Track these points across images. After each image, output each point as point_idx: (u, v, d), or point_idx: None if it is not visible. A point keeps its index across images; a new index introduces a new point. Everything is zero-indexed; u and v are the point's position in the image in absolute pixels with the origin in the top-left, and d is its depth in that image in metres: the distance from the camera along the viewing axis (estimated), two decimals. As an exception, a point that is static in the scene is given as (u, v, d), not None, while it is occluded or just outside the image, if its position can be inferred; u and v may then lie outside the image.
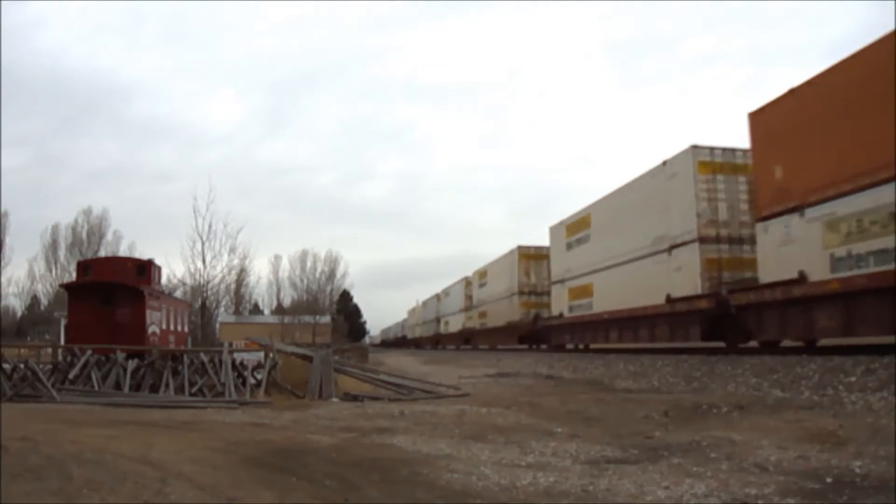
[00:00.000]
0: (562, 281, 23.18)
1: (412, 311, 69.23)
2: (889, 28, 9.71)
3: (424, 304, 59.64)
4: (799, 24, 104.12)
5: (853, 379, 8.73)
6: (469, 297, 39.85)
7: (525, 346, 28.80)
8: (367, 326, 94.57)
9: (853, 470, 4.86)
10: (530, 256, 29.63)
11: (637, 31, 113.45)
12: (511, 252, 30.86)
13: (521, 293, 29.41)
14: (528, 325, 28.03)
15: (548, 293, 26.74)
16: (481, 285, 36.89)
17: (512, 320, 29.78)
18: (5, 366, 11.96)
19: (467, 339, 39.85)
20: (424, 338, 57.74)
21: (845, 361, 9.60)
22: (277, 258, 78.35)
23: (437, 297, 52.24)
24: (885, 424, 6.41)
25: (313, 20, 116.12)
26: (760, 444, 5.98)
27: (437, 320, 51.27)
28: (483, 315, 35.87)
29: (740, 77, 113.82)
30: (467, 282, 40.94)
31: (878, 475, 4.68)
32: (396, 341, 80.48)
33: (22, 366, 12.14)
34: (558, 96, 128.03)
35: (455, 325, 43.69)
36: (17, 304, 63.30)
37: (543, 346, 26.64)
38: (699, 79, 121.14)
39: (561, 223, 23.73)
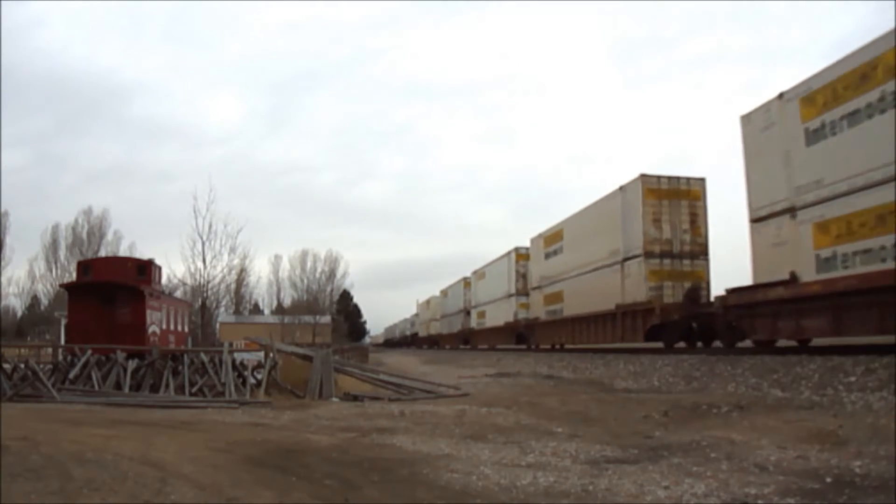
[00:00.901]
0: (806, 209, 11.64)
1: (425, 304, 59.57)
2: (889, 27, 9.50)
3: (445, 292, 48.14)
4: (800, 24, 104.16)
5: (853, 379, 8.74)
6: (522, 276, 29.55)
7: (659, 345, 17.39)
8: (367, 326, 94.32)
9: (853, 470, 4.86)
10: (662, 193, 18.08)
11: (639, 31, 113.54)
12: (625, 189, 18.87)
13: (648, 255, 17.73)
14: (672, 309, 17.01)
15: (693, 255, 17.76)
16: (551, 254, 25.05)
17: (631, 301, 18.25)
18: (6, 365, 11.98)
19: (521, 336, 28.62)
20: (446, 335, 46.88)
21: (845, 361, 9.60)
22: (277, 258, 78.44)
23: (466, 281, 40.91)
24: (885, 424, 6.41)
25: (314, 20, 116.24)
26: (760, 444, 5.98)
27: (467, 312, 40.11)
28: (555, 299, 24.22)
29: (741, 77, 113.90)
30: (518, 255, 29.91)
31: (878, 475, 4.68)
32: (404, 340, 76.39)
33: (22, 365, 12.15)
34: (559, 96, 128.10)
35: (499, 316, 32.76)
36: (17, 304, 63.46)
37: (716, 344, 15.96)
38: (701, 78, 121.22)
39: (807, 86, 11.68)
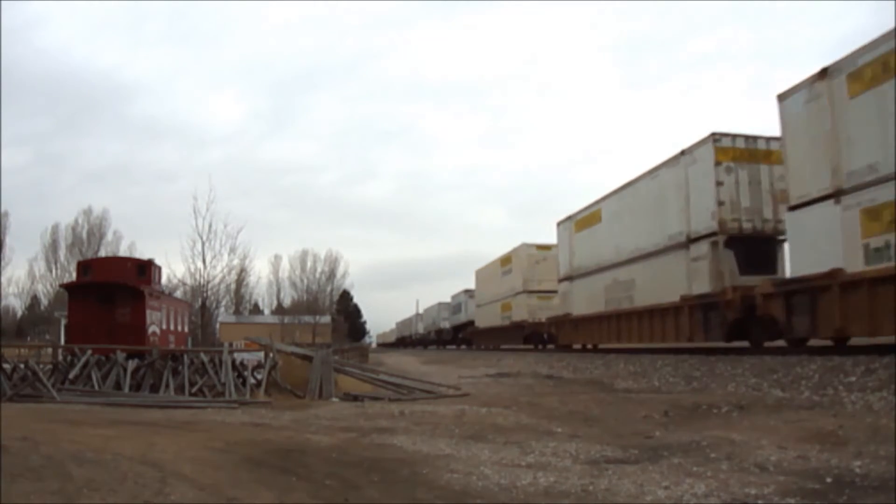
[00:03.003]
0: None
1: (495, 268, 33.76)
2: (890, 26, 9.68)
3: (582, 220, 21.44)
4: (802, 24, 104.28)
5: (853, 379, 8.73)
6: None
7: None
8: (368, 326, 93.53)
9: (853, 470, 4.85)
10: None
11: (640, 30, 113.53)
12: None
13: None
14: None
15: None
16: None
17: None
18: (5, 366, 11.97)
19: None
20: (580, 321, 21.13)
21: (845, 361, 9.60)
22: (277, 258, 78.38)
23: (680, 159, 15.32)
24: (885, 424, 6.41)
25: (315, 20, 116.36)
26: (760, 444, 5.98)
27: (715, 241, 13.93)
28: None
29: (743, 77, 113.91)
30: None
31: (878, 475, 4.68)
32: (437, 336, 53.27)
33: (22, 366, 12.14)
34: (561, 95, 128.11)
35: None
36: (17, 304, 63.53)
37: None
38: (702, 78, 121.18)
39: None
